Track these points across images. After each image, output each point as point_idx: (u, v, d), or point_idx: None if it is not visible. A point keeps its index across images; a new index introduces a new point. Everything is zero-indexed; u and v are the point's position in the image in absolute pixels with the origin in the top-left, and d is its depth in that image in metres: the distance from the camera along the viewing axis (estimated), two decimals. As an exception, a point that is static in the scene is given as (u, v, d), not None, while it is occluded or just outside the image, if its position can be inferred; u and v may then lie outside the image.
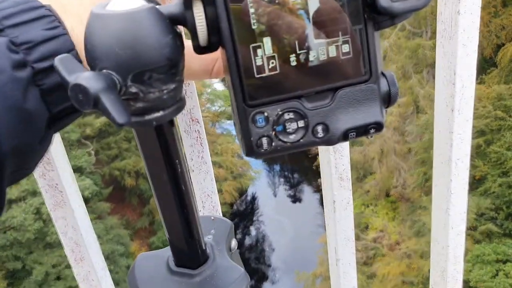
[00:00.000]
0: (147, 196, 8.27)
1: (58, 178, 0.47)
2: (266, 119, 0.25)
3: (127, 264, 7.11)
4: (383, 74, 0.26)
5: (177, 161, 0.28)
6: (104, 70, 0.23)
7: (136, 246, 8.09)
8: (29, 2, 0.27)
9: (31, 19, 0.26)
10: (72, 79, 0.21)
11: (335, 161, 0.49)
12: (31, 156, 0.27)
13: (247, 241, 8.96)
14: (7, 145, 0.24)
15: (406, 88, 7.87)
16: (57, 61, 0.22)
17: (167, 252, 0.34)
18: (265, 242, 9.10)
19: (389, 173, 8.29)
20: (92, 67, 0.24)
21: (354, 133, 0.25)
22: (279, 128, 0.25)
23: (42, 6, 0.27)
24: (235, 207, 9.30)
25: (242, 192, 9.57)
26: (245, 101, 0.25)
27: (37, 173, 0.46)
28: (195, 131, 0.47)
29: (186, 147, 0.48)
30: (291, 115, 0.25)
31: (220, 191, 8.48)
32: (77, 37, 0.27)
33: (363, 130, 0.25)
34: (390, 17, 0.24)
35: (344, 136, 0.25)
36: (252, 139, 0.25)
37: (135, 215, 8.51)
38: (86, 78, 0.21)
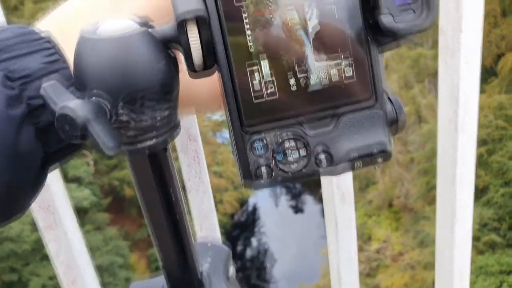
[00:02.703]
0: (148, 207, 8.21)
1: (51, 199, 0.45)
2: (265, 146, 0.23)
3: (126, 276, 7.03)
4: (389, 99, 0.25)
5: (171, 189, 0.27)
6: (94, 98, 0.22)
7: (135, 258, 8.02)
8: (28, 33, 0.25)
9: (30, 52, 0.25)
10: (58, 108, 0.20)
11: (337, 180, 0.48)
12: (22, 199, 0.25)
13: (249, 253, 8.88)
14: None
15: (408, 98, 7.87)
16: (44, 89, 0.21)
17: (161, 281, 0.33)
18: (267, 253, 9.01)
19: (392, 183, 8.24)
20: (81, 93, 0.23)
21: (360, 162, 0.24)
22: (280, 156, 0.23)
23: (42, 38, 0.25)
24: (236, 217, 9.23)
25: (243, 203, 9.51)
26: (242, 127, 0.23)
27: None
28: (193, 150, 0.46)
29: (183, 167, 0.46)
30: (292, 143, 0.23)
31: (220, 201, 8.42)
32: None
33: (369, 160, 0.24)
34: (394, 38, 0.23)
35: (350, 166, 0.24)
36: (250, 168, 0.23)
37: (134, 226, 8.45)
38: (73, 107, 0.20)
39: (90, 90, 0.22)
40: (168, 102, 0.24)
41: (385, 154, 0.24)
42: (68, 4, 0.29)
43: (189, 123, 0.45)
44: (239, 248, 8.89)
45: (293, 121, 0.23)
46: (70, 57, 0.25)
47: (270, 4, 0.22)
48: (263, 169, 0.23)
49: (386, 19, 0.22)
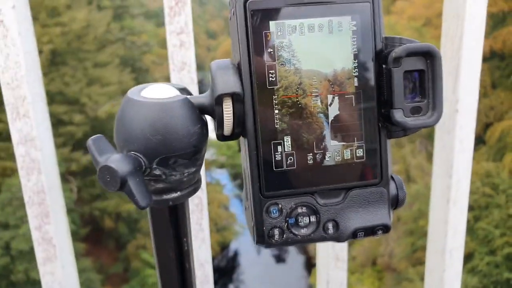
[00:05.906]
0: (125, 241, 7.95)
1: (55, 232, 0.46)
2: (280, 210, 0.26)
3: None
4: (392, 178, 0.28)
5: (185, 239, 0.29)
6: (132, 152, 0.24)
7: (106, 293, 7.61)
8: None
9: None
10: (102, 160, 0.22)
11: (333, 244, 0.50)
12: None
13: (225, 300, 8.51)
14: None
15: (399, 157, 8.01)
16: (90, 141, 0.23)
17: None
18: (243, 303, 8.63)
19: (377, 241, 8.14)
20: (121, 148, 0.25)
21: (363, 232, 0.27)
22: (292, 220, 0.26)
23: None
24: (215, 262, 8.93)
25: (224, 247, 9.25)
26: (261, 191, 0.26)
27: (32, 225, 0.45)
28: (197, 197, 0.48)
29: (187, 213, 0.48)
30: (304, 209, 0.26)
31: (203, 242, 8.14)
32: None
33: (371, 231, 0.27)
34: (402, 129, 0.27)
35: (353, 235, 0.27)
36: (264, 228, 0.26)
37: (110, 259, 8.10)
38: (115, 160, 0.22)
39: (131, 146, 0.24)
40: (197, 160, 0.26)
41: (385, 228, 0.27)
42: None
43: (198, 171, 0.47)
44: (216, 294, 8.50)
45: (307, 190, 0.26)
46: None
47: (298, 90, 0.25)
48: (276, 230, 0.26)
49: (397, 114, 0.25)
